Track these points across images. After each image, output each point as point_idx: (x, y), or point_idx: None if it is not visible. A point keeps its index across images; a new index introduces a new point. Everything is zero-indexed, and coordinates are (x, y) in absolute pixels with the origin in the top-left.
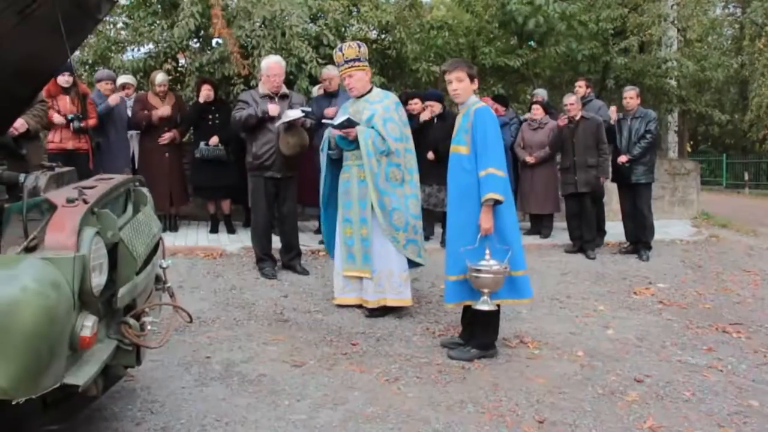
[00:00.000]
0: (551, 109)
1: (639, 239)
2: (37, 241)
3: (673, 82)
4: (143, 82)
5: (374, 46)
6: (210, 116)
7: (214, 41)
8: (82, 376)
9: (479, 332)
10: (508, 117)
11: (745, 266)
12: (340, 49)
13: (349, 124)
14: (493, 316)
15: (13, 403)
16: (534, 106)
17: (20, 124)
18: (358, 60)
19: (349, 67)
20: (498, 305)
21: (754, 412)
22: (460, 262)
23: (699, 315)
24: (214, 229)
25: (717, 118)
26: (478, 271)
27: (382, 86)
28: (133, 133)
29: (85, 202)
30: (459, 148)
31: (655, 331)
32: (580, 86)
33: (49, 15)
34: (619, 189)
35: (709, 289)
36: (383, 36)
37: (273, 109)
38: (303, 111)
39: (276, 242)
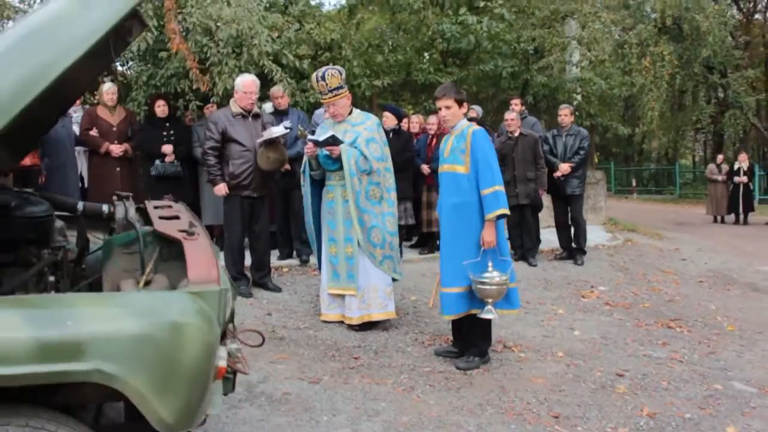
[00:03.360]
0: (486, 125)
1: (575, 246)
2: (152, 276)
3: (579, 97)
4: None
5: (313, 62)
6: (165, 132)
7: (160, 54)
8: (215, 405)
9: (478, 340)
10: None
11: (662, 267)
12: (323, 78)
13: (333, 141)
14: (489, 325)
15: None
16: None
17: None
18: (341, 87)
19: (333, 96)
20: None
21: (721, 395)
22: (459, 274)
23: (642, 314)
24: None
25: (621, 132)
26: (483, 282)
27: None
28: (80, 149)
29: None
30: (455, 167)
31: (614, 330)
32: (516, 104)
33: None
34: (554, 200)
35: (641, 290)
36: (320, 52)
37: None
38: (285, 128)
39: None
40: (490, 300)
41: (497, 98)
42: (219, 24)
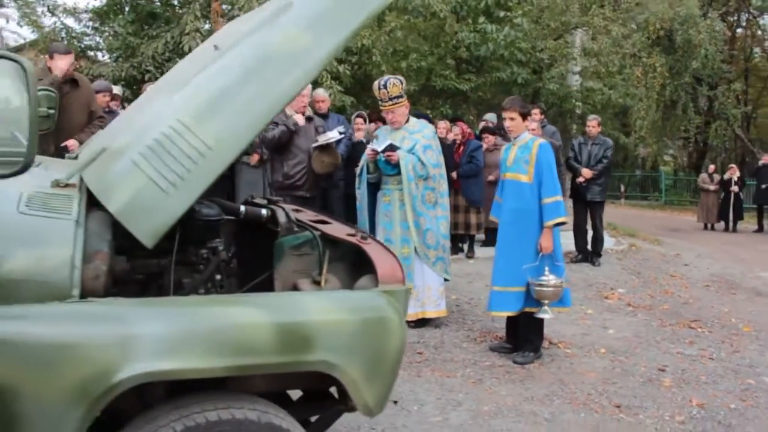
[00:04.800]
0: (501, 131)
1: (591, 249)
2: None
3: (580, 104)
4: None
5: (342, 65)
6: None
7: None
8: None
9: (533, 337)
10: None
11: (669, 271)
12: (385, 86)
13: (392, 149)
14: (542, 323)
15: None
16: (483, 136)
17: (72, 144)
18: (401, 96)
19: (393, 104)
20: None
21: (756, 388)
22: (516, 276)
23: (664, 315)
24: None
25: (622, 141)
26: (542, 285)
27: (352, 105)
28: None
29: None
30: (519, 176)
31: (643, 330)
32: (536, 113)
33: None
34: (575, 205)
35: (656, 293)
36: (349, 57)
37: (300, 119)
38: (340, 132)
39: None
40: (546, 301)
41: None
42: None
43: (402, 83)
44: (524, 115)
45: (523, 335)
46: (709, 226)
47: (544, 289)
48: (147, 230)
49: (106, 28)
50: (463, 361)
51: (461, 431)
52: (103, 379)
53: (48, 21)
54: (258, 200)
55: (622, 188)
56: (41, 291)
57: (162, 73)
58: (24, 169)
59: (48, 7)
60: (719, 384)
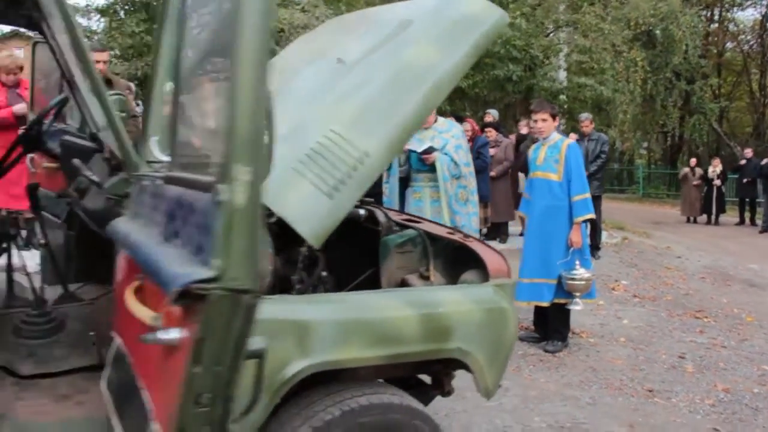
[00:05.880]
0: (501, 128)
1: (591, 243)
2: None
3: (565, 98)
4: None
5: None
6: None
7: None
8: None
9: (561, 327)
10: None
11: (664, 264)
12: None
13: (430, 150)
14: (569, 314)
15: None
16: (486, 129)
17: None
18: None
19: None
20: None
21: None
22: (541, 268)
23: (669, 305)
24: None
25: (611, 136)
26: (573, 278)
27: None
28: None
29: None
30: (549, 174)
31: (654, 320)
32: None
33: None
34: None
35: (657, 284)
36: None
37: None
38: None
39: None
40: (577, 293)
41: (502, 102)
42: (287, 28)
43: None
44: (554, 116)
45: (552, 325)
46: (692, 219)
47: (576, 282)
48: (315, 232)
49: (118, 27)
50: None
51: (516, 414)
52: (284, 370)
53: None
54: None
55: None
56: None
57: None
58: None
59: None
60: (737, 370)
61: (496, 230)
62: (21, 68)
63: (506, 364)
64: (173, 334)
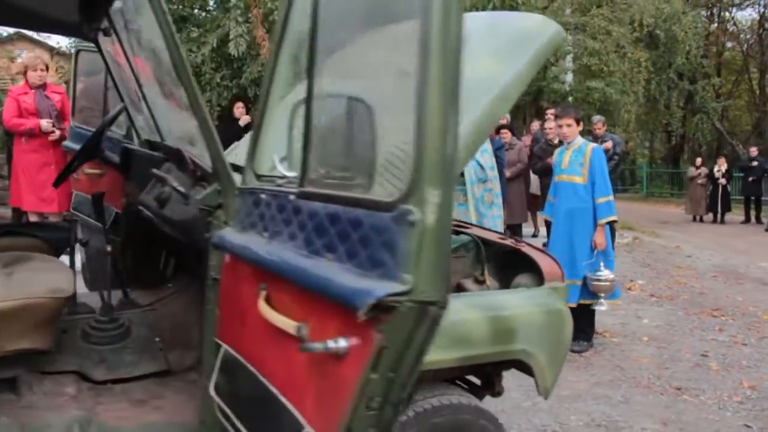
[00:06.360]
0: (514, 130)
1: None
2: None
3: (570, 100)
4: None
5: None
6: (242, 134)
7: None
8: None
9: (586, 327)
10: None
11: (675, 263)
12: None
13: None
14: (593, 314)
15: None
16: (502, 131)
17: None
18: None
19: None
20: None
21: None
22: (572, 269)
23: (687, 304)
24: None
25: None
26: (599, 279)
27: None
28: None
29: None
30: (574, 178)
31: (673, 319)
32: (552, 113)
33: None
34: None
35: (671, 283)
36: None
37: None
38: None
39: None
40: (602, 294)
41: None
42: None
43: None
44: (578, 121)
45: (578, 326)
46: (697, 217)
47: (601, 283)
48: None
49: None
50: None
51: (553, 414)
52: None
53: None
54: None
55: None
56: None
57: (199, 80)
58: None
59: None
60: (761, 368)
61: (512, 232)
62: (47, 67)
63: (563, 364)
64: (342, 343)
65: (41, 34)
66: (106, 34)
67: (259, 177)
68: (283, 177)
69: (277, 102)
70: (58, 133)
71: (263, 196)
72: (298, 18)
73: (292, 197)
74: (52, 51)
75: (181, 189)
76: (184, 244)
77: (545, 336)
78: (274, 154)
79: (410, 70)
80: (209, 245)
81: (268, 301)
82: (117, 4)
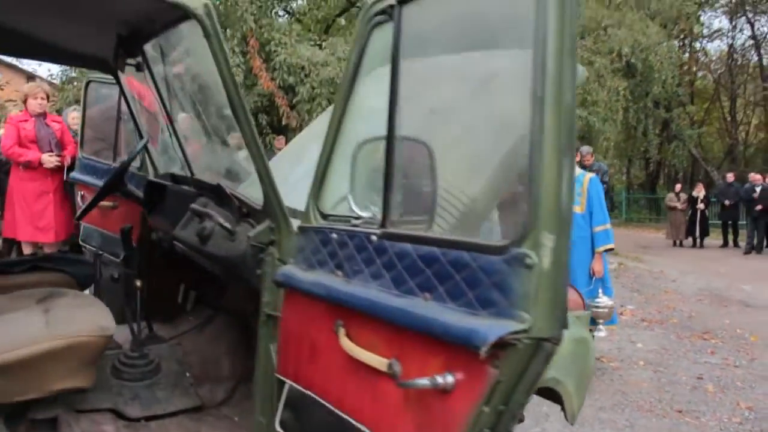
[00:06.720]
0: None
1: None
2: None
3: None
4: None
5: None
6: None
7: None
8: None
9: None
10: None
11: (662, 288)
12: None
13: None
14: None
15: None
16: None
17: None
18: None
19: None
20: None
21: None
22: None
23: (677, 328)
24: None
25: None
26: (598, 306)
27: None
28: None
29: None
30: (573, 207)
31: (665, 342)
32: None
33: None
34: None
35: (660, 308)
36: None
37: None
38: None
39: None
40: (601, 321)
41: None
42: (306, 65)
43: None
44: (576, 152)
45: None
46: (677, 242)
47: (600, 309)
48: None
49: None
50: None
51: None
52: None
53: None
54: None
55: None
56: None
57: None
58: None
59: None
60: (755, 389)
61: None
62: (48, 96)
63: (588, 390)
64: (450, 378)
65: (21, 60)
66: (139, 69)
67: (325, 216)
68: (359, 217)
69: (345, 144)
70: (57, 161)
71: (334, 235)
72: (372, 56)
73: (374, 237)
74: (29, 77)
75: (227, 225)
76: (203, 278)
77: (573, 363)
78: (349, 194)
79: (516, 118)
80: (263, 282)
81: (348, 337)
82: (152, 41)
